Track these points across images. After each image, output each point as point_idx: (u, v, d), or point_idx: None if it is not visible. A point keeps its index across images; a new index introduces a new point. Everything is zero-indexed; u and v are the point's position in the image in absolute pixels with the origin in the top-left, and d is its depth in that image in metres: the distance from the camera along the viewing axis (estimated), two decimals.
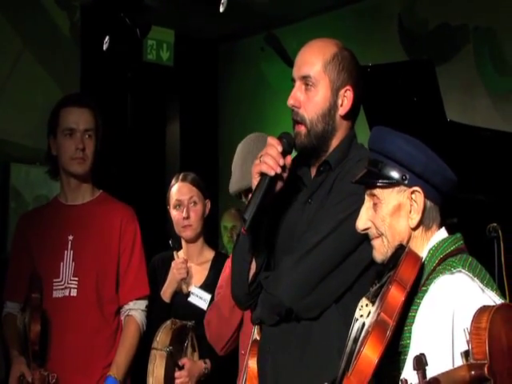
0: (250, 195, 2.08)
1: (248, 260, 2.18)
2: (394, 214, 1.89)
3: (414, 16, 5.96)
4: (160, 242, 3.63)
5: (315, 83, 2.17)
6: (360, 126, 5.66)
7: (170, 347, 2.99)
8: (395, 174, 1.88)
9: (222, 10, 5.55)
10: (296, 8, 6.40)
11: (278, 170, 2.07)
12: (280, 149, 2.09)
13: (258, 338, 2.35)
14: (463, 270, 1.78)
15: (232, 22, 6.47)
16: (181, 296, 3.27)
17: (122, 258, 3.11)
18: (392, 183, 1.89)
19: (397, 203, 1.89)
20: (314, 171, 2.24)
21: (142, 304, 3.13)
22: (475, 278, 1.78)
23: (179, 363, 3.08)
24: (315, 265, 2.07)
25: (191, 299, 3.25)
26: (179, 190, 3.33)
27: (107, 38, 5.90)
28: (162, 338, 3.01)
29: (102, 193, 3.23)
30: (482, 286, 1.78)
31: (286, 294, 2.07)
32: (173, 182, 3.40)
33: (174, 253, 3.30)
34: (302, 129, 2.18)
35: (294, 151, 2.23)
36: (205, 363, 3.14)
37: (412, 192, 1.89)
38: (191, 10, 6.30)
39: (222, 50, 7.33)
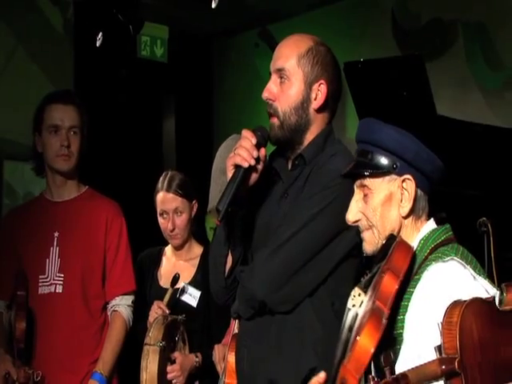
0: (225, 186, 2.10)
1: (224, 254, 2.20)
2: (385, 204, 1.89)
3: (406, 11, 5.94)
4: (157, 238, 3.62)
5: (289, 76, 2.19)
6: (352, 121, 5.68)
7: (163, 342, 2.99)
8: (386, 163, 1.88)
9: (214, 5, 5.53)
10: (289, 3, 6.39)
11: (252, 162, 2.09)
12: (254, 141, 2.11)
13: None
14: (455, 258, 1.78)
15: (226, 18, 6.46)
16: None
17: (108, 254, 3.11)
18: (383, 172, 1.89)
19: (388, 192, 1.89)
20: (290, 165, 2.25)
21: (128, 299, 3.14)
22: (467, 266, 1.78)
23: (171, 357, 3.08)
24: (288, 258, 2.08)
25: (181, 296, 3.25)
26: (163, 201, 3.31)
27: (100, 34, 5.89)
28: (155, 333, 3.01)
29: (88, 189, 3.24)
30: (474, 273, 1.78)
31: (259, 288, 2.08)
32: (158, 185, 3.34)
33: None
34: (276, 121, 2.20)
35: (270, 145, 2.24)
36: (196, 357, 3.15)
37: (403, 180, 1.89)
38: (185, 6, 6.29)
39: (216, 46, 7.32)
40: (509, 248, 3.75)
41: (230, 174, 2.11)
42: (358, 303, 1.71)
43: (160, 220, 3.34)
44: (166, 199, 3.30)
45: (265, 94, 2.21)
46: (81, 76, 6.15)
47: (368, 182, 1.90)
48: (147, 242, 3.50)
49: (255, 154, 2.10)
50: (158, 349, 2.96)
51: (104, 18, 5.95)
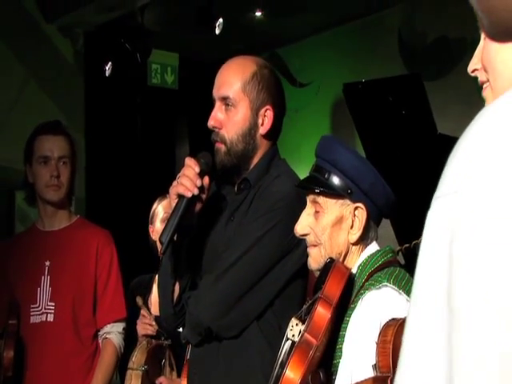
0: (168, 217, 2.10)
1: (171, 283, 2.18)
2: (335, 226, 1.88)
3: (413, 30, 5.95)
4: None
5: (235, 104, 2.16)
6: (350, 139, 5.67)
7: (146, 366, 3.00)
8: (341, 186, 1.87)
9: (217, 32, 5.61)
10: (296, 27, 6.43)
11: (195, 192, 2.06)
12: (197, 169, 2.07)
13: None
14: (389, 285, 1.76)
15: (234, 44, 6.52)
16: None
17: (99, 282, 3.14)
18: (337, 194, 1.88)
19: (339, 215, 1.88)
20: (236, 188, 2.24)
21: (120, 326, 3.15)
22: (401, 291, 1.77)
23: (156, 382, 3.09)
24: (232, 283, 2.07)
25: None
26: (168, 206, 3.36)
27: (109, 63, 5.99)
28: (138, 357, 3.02)
29: (79, 218, 3.28)
30: (409, 298, 1.76)
31: (205, 314, 2.07)
32: (159, 199, 3.42)
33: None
34: (222, 147, 2.17)
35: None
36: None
37: (356, 208, 1.88)
38: (192, 33, 6.36)
39: None
40: None
41: (173, 203, 2.09)
42: (296, 333, 1.71)
43: (162, 226, 3.35)
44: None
45: (210, 123, 2.18)
46: (92, 106, 6.24)
47: (321, 199, 1.89)
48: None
49: (198, 182, 2.06)
50: (140, 373, 2.97)
51: (113, 48, 6.06)
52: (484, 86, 1.18)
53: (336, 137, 2.06)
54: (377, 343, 1.53)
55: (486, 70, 1.12)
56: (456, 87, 5.51)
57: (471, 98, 5.70)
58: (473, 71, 1.25)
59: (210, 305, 2.07)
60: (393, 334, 1.52)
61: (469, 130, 0.88)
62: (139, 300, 3.17)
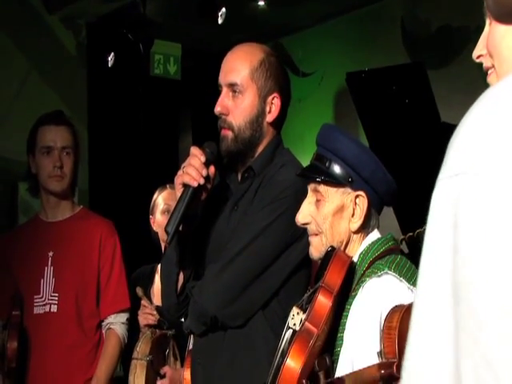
0: (174, 206, 2.09)
1: (175, 272, 2.18)
2: (336, 214, 1.87)
3: (416, 18, 5.92)
4: None
5: (242, 90, 2.15)
6: (354, 128, 5.66)
7: (150, 356, 3.00)
8: (342, 174, 1.87)
9: (220, 21, 5.58)
10: (300, 16, 6.40)
11: (201, 181, 2.05)
12: (203, 159, 2.07)
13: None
14: (390, 272, 1.76)
15: (237, 33, 6.49)
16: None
17: (102, 272, 3.14)
18: (338, 183, 1.88)
19: (340, 204, 1.87)
20: (239, 177, 2.24)
21: (123, 317, 3.15)
22: (402, 279, 1.76)
23: (161, 372, 3.09)
24: (239, 272, 2.07)
25: None
26: (168, 197, 3.36)
27: (112, 54, 5.97)
28: (142, 347, 3.03)
29: (82, 208, 3.27)
30: (409, 286, 1.75)
31: (210, 303, 2.06)
32: (159, 190, 3.43)
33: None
34: (229, 133, 2.16)
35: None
36: None
37: (356, 196, 1.88)
38: (195, 23, 6.34)
39: None
40: None
41: (178, 193, 2.08)
42: (297, 322, 1.71)
43: (161, 218, 3.35)
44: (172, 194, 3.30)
45: (217, 109, 2.17)
46: (94, 97, 6.23)
47: (322, 188, 1.89)
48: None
49: (204, 172, 2.06)
50: (145, 363, 2.97)
51: (115, 39, 6.04)
52: (489, 71, 1.18)
53: (337, 125, 2.05)
54: (382, 329, 1.53)
55: (491, 56, 1.11)
56: (459, 76, 5.48)
57: (474, 87, 5.66)
58: (478, 57, 1.24)
59: (215, 294, 2.07)
60: (398, 319, 1.51)
61: (471, 110, 0.87)
62: (139, 290, 3.17)
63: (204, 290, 2.09)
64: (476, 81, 5.56)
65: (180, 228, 2.06)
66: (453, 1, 5.58)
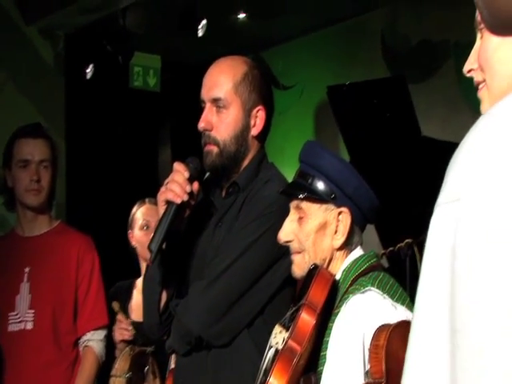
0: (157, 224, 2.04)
1: (158, 291, 2.13)
2: (319, 231, 1.86)
3: (396, 33, 5.93)
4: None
5: (227, 105, 2.12)
6: (334, 142, 5.63)
7: (129, 373, 2.95)
8: (325, 191, 1.86)
9: (200, 34, 5.55)
10: (280, 29, 6.40)
11: (185, 198, 2.01)
12: (187, 175, 2.03)
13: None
14: (373, 289, 1.74)
15: (217, 46, 6.47)
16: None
17: (80, 288, 3.08)
18: (320, 199, 1.86)
19: (323, 220, 1.86)
20: (224, 193, 2.20)
21: (101, 334, 3.10)
22: (386, 296, 1.74)
23: None
24: (223, 291, 2.02)
25: None
26: (147, 212, 3.32)
27: (91, 66, 5.91)
28: (121, 364, 2.97)
29: (60, 223, 3.21)
30: (393, 303, 1.74)
31: (195, 322, 2.02)
32: (138, 204, 3.39)
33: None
34: (214, 148, 2.12)
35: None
36: None
37: (339, 212, 1.86)
38: (175, 35, 6.30)
39: None
40: None
41: (161, 210, 2.04)
42: (280, 341, 1.67)
43: (139, 234, 3.31)
44: (151, 211, 3.26)
45: (201, 125, 2.13)
46: (73, 109, 6.16)
47: (304, 205, 1.87)
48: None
49: (188, 188, 2.02)
50: (123, 380, 2.92)
51: (94, 50, 5.99)
52: (480, 86, 1.16)
53: (319, 142, 2.03)
54: (369, 349, 1.50)
55: (482, 70, 1.09)
56: (440, 90, 5.50)
57: (454, 101, 5.71)
58: (469, 71, 1.22)
59: (200, 313, 2.02)
60: (386, 338, 1.48)
61: (469, 135, 0.85)
62: (115, 305, 3.12)
63: (188, 308, 2.04)
64: (456, 95, 5.61)
65: (163, 246, 2.01)
66: (433, 16, 5.59)
